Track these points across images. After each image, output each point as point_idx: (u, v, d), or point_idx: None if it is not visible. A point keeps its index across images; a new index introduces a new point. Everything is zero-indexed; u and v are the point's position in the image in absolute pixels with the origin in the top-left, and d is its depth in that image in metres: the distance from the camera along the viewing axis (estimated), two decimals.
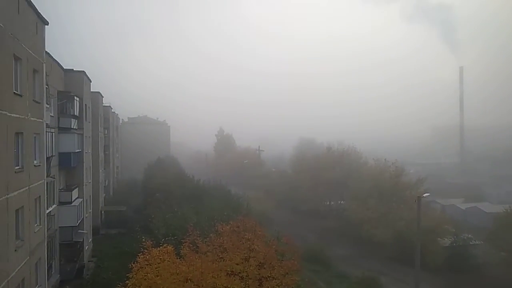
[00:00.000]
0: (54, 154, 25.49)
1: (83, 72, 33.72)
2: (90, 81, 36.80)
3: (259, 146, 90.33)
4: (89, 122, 37.12)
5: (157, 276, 16.74)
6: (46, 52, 21.84)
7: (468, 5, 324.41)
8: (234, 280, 17.18)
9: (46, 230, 21.22)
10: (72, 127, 29.41)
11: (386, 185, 47.30)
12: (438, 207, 57.08)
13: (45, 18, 20.18)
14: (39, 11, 19.21)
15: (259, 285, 18.17)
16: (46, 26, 20.76)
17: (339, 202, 62.30)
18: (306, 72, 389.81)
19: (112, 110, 67.78)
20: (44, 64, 20.82)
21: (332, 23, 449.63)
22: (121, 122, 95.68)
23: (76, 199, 29.90)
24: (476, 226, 48.82)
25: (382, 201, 46.74)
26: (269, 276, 18.41)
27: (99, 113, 44.43)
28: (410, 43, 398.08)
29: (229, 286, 16.56)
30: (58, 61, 28.73)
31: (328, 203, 64.18)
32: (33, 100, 18.84)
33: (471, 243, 41.15)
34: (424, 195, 35.03)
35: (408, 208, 41.85)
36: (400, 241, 40.23)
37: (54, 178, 25.76)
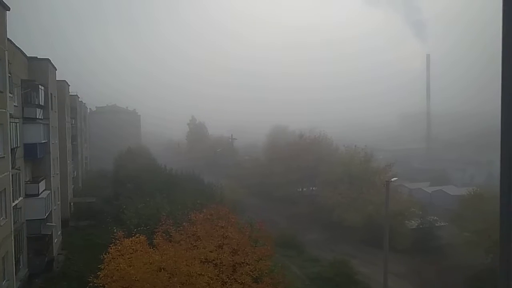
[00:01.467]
0: (19, 145, 24.64)
1: (48, 60, 32.58)
2: (55, 69, 35.63)
3: (231, 135, 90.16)
4: (55, 111, 36.02)
5: (130, 266, 16.67)
6: (8, 39, 20.95)
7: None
8: (208, 267, 17.33)
9: (12, 223, 20.63)
10: (37, 117, 28.46)
11: (356, 171, 48.43)
12: (406, 191, 58.89)
13: (6, 3, 19.32)
14: None
15: (232, 271, 18.41)
16: (7, 12, 19.89)
17: (311, 188, 63.35)
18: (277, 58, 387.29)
19: (79, 99, 65.92)
20: (6, 52, 20.00)
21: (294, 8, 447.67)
22: (88, 111, 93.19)
23: (43, 191, 29.11)
24: (441, 208, 50.75)
25: (352, 186, 47.89)
26: (242, 262, 18.68)
27: (65, 102, 43.12)
28: (374, 27, 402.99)
29: (203, 273, 16.68)
30: (21, 49, 27.61)
31: (300, 189, 65.13)
32: None
33: (436, 224, 42.86)
34: (392, 179, 36.12)
35: (377, 193, 43.03)
36: (370, 224, 41.40)
37: (19, 170, 24.94)
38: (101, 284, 16.94)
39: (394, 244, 35.61)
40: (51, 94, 32.67)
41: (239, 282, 17.83)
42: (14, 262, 20.66)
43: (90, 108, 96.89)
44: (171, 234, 19.36)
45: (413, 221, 43.19)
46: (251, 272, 18.43)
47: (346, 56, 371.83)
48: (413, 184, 64.29)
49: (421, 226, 42.63)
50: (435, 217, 43.87)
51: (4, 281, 18.86)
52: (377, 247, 35.75)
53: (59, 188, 37.06)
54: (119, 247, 17.88)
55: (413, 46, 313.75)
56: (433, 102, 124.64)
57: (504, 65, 1.60)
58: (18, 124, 24.67)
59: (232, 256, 18.68)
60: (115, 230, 19.66)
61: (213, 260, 18.05)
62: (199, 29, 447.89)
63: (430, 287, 33.02)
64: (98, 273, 17.32)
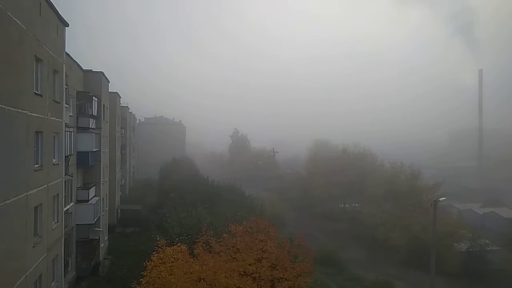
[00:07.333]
0: (72, 153, 26.01)
1: (102, 72, 34.28)
2: (108, 82, 37.39)
3: (273, 148, 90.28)
4: (107, 122, 37.70)
5: (171, 274, 16.97)
6: (66, 53, 22.32)
7: (486, 7, 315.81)
8: (247, 280, 17.29)
9: (63, 227, 21.66)
10: (90, 126, 29.95)
11: (402, 189, 46.79)
12: (455, 211, 56.16)
13: (66, 20, 20.63)
14: (60, 13, 19.68)
15: (271, 286, 18.26)
16: (66, 27, 21.24)
17: (354, 204, 61.87)
18: (320, 85, 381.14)
19: (129, 110, 68.69)
20: (64, 65, 21.29)
21: (343, 26, 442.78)
22: (138, 122, 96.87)
23: (93, 197, 30.41)
24: (493, 231, 47.87)
25: (397, 205, 46.25)
26: (281, 278, 18.49)
27: (116, 113, 45.07)
28: (431, 48, 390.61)
29: (241, 286, 16.69)
30: (77, 62, 29.30)
31: (342, 205, 63.79)
32: (53, 100, 19.28)
33: (488, 248, 40.39)
34: (441, 199, 34.59)
35: (424, 212, 41.31)
36: (416, 245, 39.74)
37: (72, 176, 26.27)
38: None
39: (441, 267, 33.97)
40: (103, 105, 34.30)
41: None
42: (63, 265, 21.64)
43: (139, 119, 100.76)
44: (211, 245, 19.55)
45: (462, 244, 40.97)
46: None
47: (392, 75, 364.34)
48: (463, 205, 61.19)
49: (471, 250, 40.31)
50: (487, 241, 41.34)
51: (54, 283, 19.77)
52: (422, 270, 34.24)
53: (108, 195, 38.57)
54: (161, 255, 18.28)
55: (466, 61, 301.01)
56: (486, 120, 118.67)
57: None
58: (72, 133, 26.09)
59: (271, 270, 18.55)
60: (158, 238, 20.16)
61: (252, 273, 18.00)
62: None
63: None
64: (141, 279, 17.78)
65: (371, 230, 46.88)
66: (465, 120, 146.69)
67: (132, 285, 18.06)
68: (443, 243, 36.57)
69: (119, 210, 48.28)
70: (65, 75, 22.00)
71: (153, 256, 18.37)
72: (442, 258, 34.86)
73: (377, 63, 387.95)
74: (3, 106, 12.96)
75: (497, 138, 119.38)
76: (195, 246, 19.49)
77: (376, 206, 48.41)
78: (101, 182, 33.37)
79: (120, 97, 49.47)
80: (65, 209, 22.78)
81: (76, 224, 27.91)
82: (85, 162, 29.28)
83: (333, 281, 34.14)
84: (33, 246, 16.30)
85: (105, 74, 35.04)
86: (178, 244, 19.46)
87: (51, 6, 18.48)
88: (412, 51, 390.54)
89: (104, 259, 34.34)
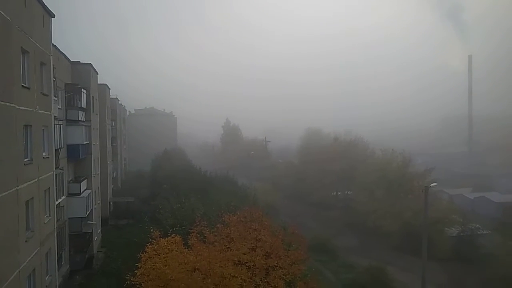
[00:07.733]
0: (62, 146, 25.72)
1: (90, 64, 33.81)
2: (97, 73, 36.92)
3: (265, 137, 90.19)
4: (97, 114, 37.33)
5: (166, 265, 17.00)
6: (52, 44, 21.94)
7: None
8: (241, 269, 17.38)
9: (55, 221, 21.53)
10: (79, 119, 29.62)
11: (394, 176, 47.15)
12: (446, 196, 56.81)
13: (51, 10, 20.23)
14: (45, 4, 19.28)
15: (266, 274, 18.38)
16: (52, 18, 20.83)
17: (346, 192, 62.32)
18: (310, 67, 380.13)
19: (119, 102, 68.04)
20: (51, 57, 20.93)
21: (333, 16, 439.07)
22: (128, 114, 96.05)
23: (84, 190, 30.22)
24: (484, 215, 48.60)
25: (389, 192, 46.64)
26: (275, 266, 18.62)
27: (106, 105, 44.63)
28: (417, 30, 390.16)
29: (236, 275, 16.76)
30: (65, 54, 28.84)
31: (335, 193, 64.23)
32: (41, 92, 18.99)
33: (478, 233, 41.02)
34: (432, 185, 34.94)
35: (416, 198, 41.76)
36: (407, 231, 40.22)
37: (62, 170, 26.03)
38: (138, 283, 17.37)
39: (433, 252, 34.39)
40: (92, 97, 33.90)
41: (272, 286, 17.79)
42: (56, 258, 21.55)
43: (129, 111, 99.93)
44: (205, 235, 19.59)
45: (453, 229, 41.54)
46: (284, 276, 18.33)
47: (380, 57, 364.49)
48: (454, 190, 61.90)
49: (462, 234, 40.91)
50: (477, 225, 41.96)
51: (48, 277, 19.70)
52: (415, 255, 34.69)
53: (100, 188, 38.34)
54: (156, 247, 18.28)
55: (457, 49, 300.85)
56: (476, 105, 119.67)
57: None
58: (61, 126, 25.76)
59: (265, 259, 18.66)
60: (151, 230, 20.13)
61: (246, 262, 18.09)
62: (223, 27, 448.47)
63: None
64: (136, 271, 17.77)
65: (364, 217, 47.31)
66: (454, 105, 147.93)
67: (126, 277, 18.06)
68: (435, 228, 36.99)
69: (111, 203, 48.11)
70: (53, 67, 21.65)
71: (147, 248, 18.37)
72: (433, 243, 35.25)
73: (365, 43, 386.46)
74: None
75: (487, 124, 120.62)
76: (189, 236, 19.52)
77: (368, 193, 48.81)
78: (92, 175, 33.14)
79: (109, 89, 48.95)
80: (57, 202, 22.61)
81: (69, 218, 27.75)
82: (76, 155, 29.01)
83: (327, 268, 34.53)
84: (26, 241, 16.18)
85: (93, 65, 34.57)
86: (172, 235, 19.46)
87: None
88: (399, 32, 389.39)
89: (98, 252, 34.29)
